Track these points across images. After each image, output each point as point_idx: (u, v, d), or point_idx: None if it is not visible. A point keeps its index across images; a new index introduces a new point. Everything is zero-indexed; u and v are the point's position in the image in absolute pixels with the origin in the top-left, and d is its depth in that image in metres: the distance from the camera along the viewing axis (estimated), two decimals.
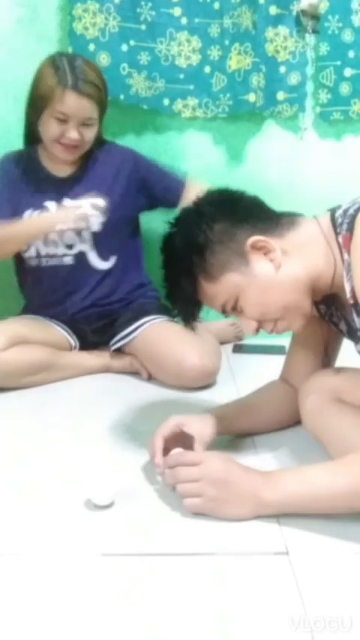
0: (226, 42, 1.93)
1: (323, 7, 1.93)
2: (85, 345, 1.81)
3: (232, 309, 1.03)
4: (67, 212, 1.64)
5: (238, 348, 2.01)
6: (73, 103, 1.58)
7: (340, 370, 1.19)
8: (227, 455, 1.01)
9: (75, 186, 1.73)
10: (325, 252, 0.99)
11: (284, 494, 0.91)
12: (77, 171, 1.74)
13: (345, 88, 2.01)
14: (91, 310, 1.78)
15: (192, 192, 1.57)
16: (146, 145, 2.01)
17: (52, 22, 1.90)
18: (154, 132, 2.03)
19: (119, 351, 1.78)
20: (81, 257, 1.72)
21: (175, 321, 1.56)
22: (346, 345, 1.20)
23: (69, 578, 0.83)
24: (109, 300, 1.79)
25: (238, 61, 1.94)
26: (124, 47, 1.89)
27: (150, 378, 1.71)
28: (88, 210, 1.67)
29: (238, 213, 1.02)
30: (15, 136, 1.90)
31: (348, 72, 2.00)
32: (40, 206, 1.71)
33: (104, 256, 1.74)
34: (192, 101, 1.99)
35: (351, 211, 0.96)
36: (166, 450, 1.07)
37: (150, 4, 1.89)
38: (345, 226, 0.96)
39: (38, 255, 1.73)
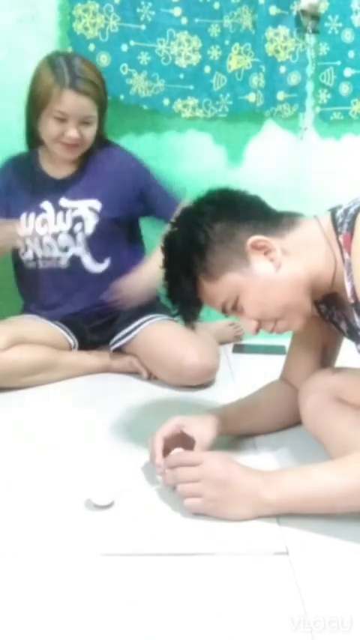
0: (226, 42, 1.93)
1: (323, 7, 1.93)
2: (85, 344, 1.80)
3: (233, 308, 1.03)
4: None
5: (238, 348, 2.01)
6: (72, 102, 1.58)
7: (340, 370, 1.19)
8: (227, 455, 1.01)
9: (72, 186, 1.73)
10: (326, 252, 0.99)
11: (284, 494, 0.91)
12: (75, 173, 1.74)
13: (345, 88, 2.01)
14: (90, 311, 1.78)
15: None
16: (146, 145, 2.01)
17: (52, 22, 1.90)
18: (154, 132, 2.03)
19: (119, 350, 1.78)
20: (75, 260, 1.72)
21: (174, 320, 1.56)
22: (346, 345, 1.20)
23: (69, 578, 0.83)
24: (108, 302, 1.78)
25: (238, 61, 1.94)
26: (124, 47, 1.89)
27: (150, 377, 1.71)
28: (83, 212, 1.68)
29: (239, 213, 1.02)
30: (15, 136, 1.90)
31: (348, 72, 2.00)
32: (36, 208, 1.72)
33: (98, 259, 1.74)
34: (192, 101, 1.98)
35: (351, 211, 0.97)
36: (166, 451, 1.07)
37: (150, 4, 1.89)
38: (346, 226, 0.96)
39: (35, 258, 1.74)
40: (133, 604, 0.77)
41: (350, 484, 0.86)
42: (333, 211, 1.02)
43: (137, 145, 1.96)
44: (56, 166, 1.74)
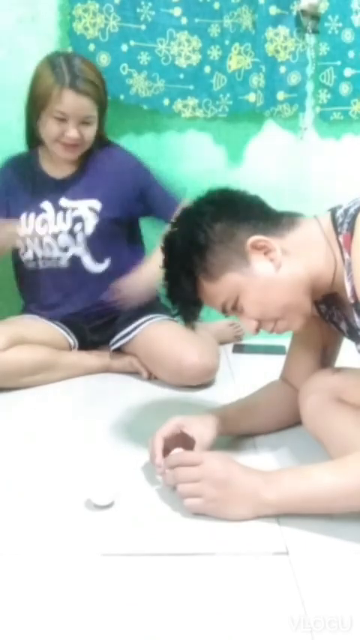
0: (226, 42, 1.93)
1: (323, 7, 1.93)
2: (85, 344, 1.80)
3: (233, 308, 1.03)
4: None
5: (238, 348, 2.01)
6: (71, 102, 1.58)
7: (340, 370, 1.19)
8: (227, 455, 1.01)
9: (72, 186, 1.73)
10: (326, 252, 0.99)
11: (284, 494, 0.91)
12: (75, 172, 1.74)
13: (345, 88, 2.01)
14: (90, 311, 1.78)
15: None
16: (146, 144, 2.01)
17: (52, 22, 1.90)
18: (154, 132, 2.03)
19: (119, 350, 1.78)
20: (75, 260, 1.72)
21: (174, 320, 1.56)
22: (346, 345, 1.20)
23: (69, 578, 0.83)
24: (108, 305, 1.79)
25: (238, 61, 1.94)
26: (124, 47, 1.89)
27: (150, 377, 1.72)
28: (83, 212, 1.68)
29: (239, 213, 1.02)
30: (15, 136, 1.90)
31: (348, 72, 2.00)
32: (36, 208, 1.72)
33: (98, 259, 1.74)
34: (192, 101, 1.98)
35: (351, 211, 0.97)
36: (166, 451, 1.07)
37: (150, 4, 1.89)
38: (346, 226, 0.96)
39: (35, 258, 1.74)
40: (133, 604, 0.77)
41: (350, 484, 0.86)
42: (333, 211, 1.02)
43: (137, 145, 1.96)
44: (56, 166, 1.74)
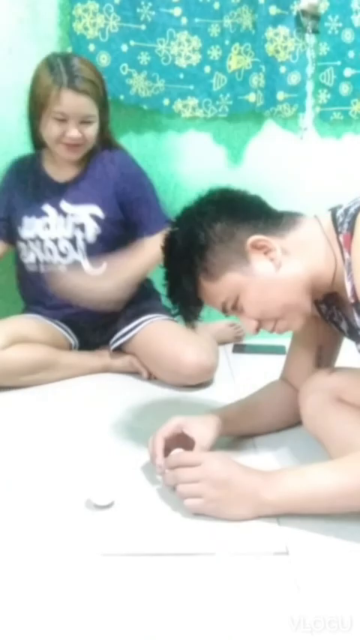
0: (226, 42, 1.93)
1: (323, 7, 1.94)
2: (86, 344, 1.81)
3: (233, 308, 1.03)
4: None
5: (238, 348, 2.01)
6: (70, 102, 1.57)
7: (340, 370, 1.19)
8: (227, 455, 1.01)
9: (73, 190, 1.72)
10: (326, 252, 0.99)
11: (284, 494, 0.91)
12: (77, 176, 1.74)
13: (345, 88, 2.01)
14: (92, 312, 1.78)
15: (152, 246, 1.54)
16: (146, 145, 2.01)
17: (52, 22, 1.90)
18: (154, 132, 2.03)
19: (119, 350, 1.78)
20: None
21: (174, 319, 1.56)
22: (346, 345, 1.20)
23: (69, 578, 0.82)
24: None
25: (238, 61, 1.94)
26: (124, 47, 1.89)
27: (150, 377, 1.72)
28: (84, 219, 1.68)
29: (239, 213, 1.02)
30: (15, 137, 1.90)
31: (348, 72, 2.00)
32: (39, 211, 1.71)
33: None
34: (192, 101, 1.99)
35: (352, 210, 0.97)
36: (166, 451, 1.07)
37: (150, 4, 1.89)
38: (346, 225, 0.96)
39: (37, 262, 1.73)
40: (133, 604, 0.77)
41: (350, 484, 0.86)
42: (333, 211, 1.02)
43: (137, 145, 1.96)
44: (59, 168, 1.74)
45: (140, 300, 1.81)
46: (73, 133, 1.61)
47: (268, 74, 1.96)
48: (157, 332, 1.70)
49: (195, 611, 0.76)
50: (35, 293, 1.80)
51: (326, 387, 1.13)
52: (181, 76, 1.96)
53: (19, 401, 1.56)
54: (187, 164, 2.05)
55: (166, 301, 1.12)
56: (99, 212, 1.69)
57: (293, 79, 2.01)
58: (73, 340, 1.79)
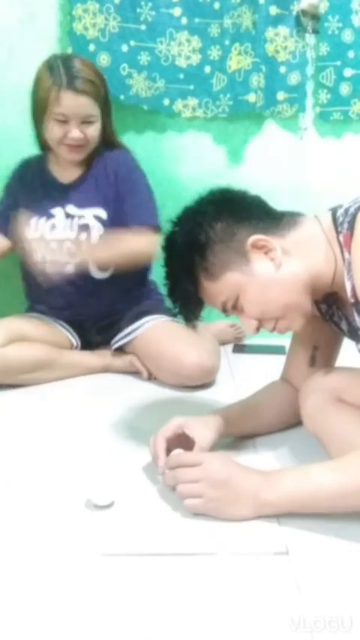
0: (226, 42, 1.93)
1: (323, 7, 1.94)
2: (88, 344, 1.81)
3: (233, 307, 1.04)
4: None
5: (238, 348, 2.01)
6: (70, 102, 1.57)
7: (340, 370, 1.19)
8: (227, 455, 1.01)
9: (78, 192, 1.73)
10: (326, 251, 0.99)
11: (284, 494, 0.91)
12: (81, 177, 1.74)
13: (345, 88, 2.01)
14: (96, 313, 1.78)
15: (136, 237, 1.61)
16: (146, 145, 2.01)
17: (52, 22, 1.90)
18: (154, 132, 2.03)
19: (120, 350, 1.78)
20: (82, 266, 1.71)
21: (176, 320, 1.56)
22: (346, 345, 1.20)
23: (69, 578, 0.82)
24: (114, 305, 1.79)
25: (238, 61, 1.94)
26: (124, 47, 1.89)
27: (150, 377, 1.71)
28: (89, 221, 1.68)
29: (240, 213, 1.02)
30: (15, 137, 1.90)
31: (348, 72, 2.00)
32: (45, 212, 1.72)
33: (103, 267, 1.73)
34: (192, 101, 1.99)
35: (352, 210, 0.97)
36: (167, 451, 1.07)
37: (150, 4, 1.89)
38: (346, 225, 0.96)
39: (44, 261, 1.73)
40: (133, 604, 0.77)
41: (350, 483, 0.86)
42: (333, 211, 1.02)
43: (137, 145, 1.96)
44: (64, 170, 1.74)
45: (143, 300, 1.81)
46: (75, 133, 1.61)
47: (268, 74, 1.96)
48: (158, 333, 1.70)
49: (195, 611, 0.76)
50: (39, 292, 1.80)
51: (326, 387, 1.13)
52: (181, 76, 1.96)
53: (19, 400, 1.56)
54: (187, 164, 2.05)
55: (168, 302, 1.12)
56: (103, 213, 1.70)
57: (293, 79, 2.01)
58: (75, 340, 1.79)
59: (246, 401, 1.27)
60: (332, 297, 1.08)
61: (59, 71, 1.57)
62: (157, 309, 1.78)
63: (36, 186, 1.75)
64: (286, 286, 1.00)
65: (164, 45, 1.93)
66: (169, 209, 1.11)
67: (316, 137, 2.09)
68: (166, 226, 1.07)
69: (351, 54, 1.98)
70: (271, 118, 2.06)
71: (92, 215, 1.70)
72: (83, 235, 1.69)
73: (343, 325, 1.11)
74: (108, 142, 1.73)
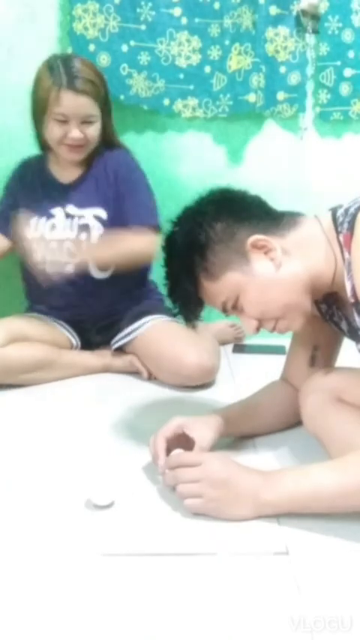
0: (226, 42, 1.93)
1: (323, 7, 1.94)
2: (88, 345, 1.81)
3: (233, 307, 1.04)
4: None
5: (238, 348, 2.01)
6: (70, 102, 1.57)
7: (340, 370, 1.19)
8: (227, 455, 1.01)
9: (78, 193, 1.73)
10: (326, 252, 0.99)
11: (284, 494, 0.91)
12: (81, 177, 1.74)
13: (345, 88, 2.01)
14: (97, 313, 1.78)
15: (136, 237, 1.61)
16: (146, 145, 2.01)
17: (52, 22, 1.90)
18: (154, 132, 2.03)
19: (120, 350, 1.78)
20: (83, 266, 1.72)
21: (177, 320, 1.56)
22: (346, 345, 1.20)
23: (69, 578, 0.82)
24: (114, 305, 1.79)
25: (238, 61, 1.94)
26: (124, 47, 1.89)
27: (150, 377, 1.71)
28: (89, 221, 1.68)
29: (240, 213, 1.02)
30: (15, 137, 1.90)
31: (348, 72, 2.00)
32: (45, 212, 1.72)
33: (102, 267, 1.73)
34: (192, 101, 1.99)
35: (352, 210, 0.97)
36: (167, 451, 1.07)
37: (150, 4, 1.89)
38: (346, 225, 0.96)
39: (44, 261, 1.73)
40: (133, 604, 0.77)
41: (350, 483, 0.86)
42: (334, 211, 1.02)
43: (137, 145, 1.96)
44: (64, 170, 1.74)
45: (143, 300, 1.81)
46: (75, 133, 1.61)
47: (268, 74, 1.96)
48: (159, 333, 1.70)
49: (195, 611, 0.76)
50: (39, 292, 1.80)
51: (326, 387, 1.13)
52: (181, 76, 1.96)
53: (19, 400, 1.56)
54: (187, 164, 2.05)
55: (169, 302, 1.12)
56: (102, 213, 1.70)
57: (293, 79, 2.01)
58: (75, 341, 1.79)
59: (246, 401, 1.27)
60: (332, 297, 1.08)
61: (59, 71, 1.57)
62: (157, 309, 1.78)
63: (36, 186, 1.75)
64: (286, 286, 1.00)
65: (164, 45, 1.93)
66: (169, 209, 1.11)
67: (316, 137, 2.09)
68: (166, 226, 1.07)
69: (351, 54, 1.98)
70: (271, 118, 2.06)
71: (92, 215, 1.70)
72: (83, 235, 1.69)
73: (343, 325, 1.11)
74: (108, 142, 1.73)
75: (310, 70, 2.03)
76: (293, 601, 0.77)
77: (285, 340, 1.29)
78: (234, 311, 1.05)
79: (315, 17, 1.95)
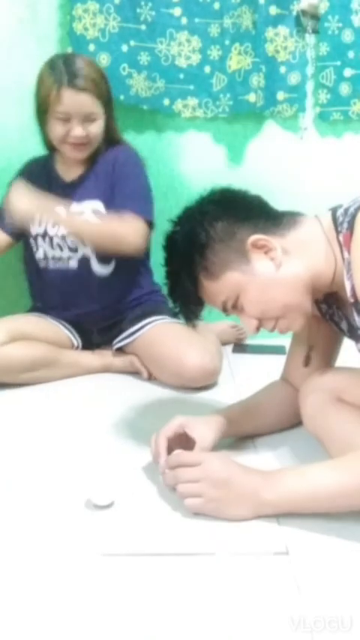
0: (226, 42, 1.93)
1: (323, 7, 1.94)
2: (89, 345, 1.81)
3: (233, 307, 1.04)
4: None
5: (239, 348, 2.01)
6: (71, 100, 1.57)
7: (339, 370, 1.19)
8: (228, 455, 1.01)
9: (79, 188, 1.73)
10: (326, 251, 0.99)
11: (284, 494, 0.91)
12: (83, 174, 1.74)
13: (345, 89, 2.01)
14: (98, 313, 1.78)
15: (121, 222, 1.60)
16: (146, 144, 2.01)
17: (52, 22, 1.90)
18: (154, 132, 2.03)
19: (120, 350, 1.78)
20: (85, 262, 1.72)
21: (179, 322, 1.56)
22: (346, 345, 1.20)
23: (69, 578, 0.82)
24: (116, 305, 1.79)
25: (238, 61, 1.94)
26: (124, 47, 1.89)
27: (150, 377, 1.71)
28: (88, 215, 1.68)
29: (240, 212, 1.02)
30: (15, 136, 1.90)
31: (348, 72, 2.00)
32: None
33: (104, 260, 1.73)
34: (192, 101, 1.99)
35: (352, 210, 0.97)
36: (168, 450, 1.07)
37: (150, 4, 1.89)
38: (346, 225, 0.96)
39: (46, 257, 1.74)
40: (133, 604, 0.77)
41: (350, 483, 0.86)
42: (334, 210, 1.02)
43: (137, 144, 1.95)
44: (68, 168, 1.75)
45: (145, 302, 1.81)
46: (77, 131, 1.61)
47: (268, 74, 1.96)
48: (160, 334, 1.70)
49: (195, 611, 0.76)
50: (42, 289, 1.80)
51: (326, 386, 1.13)
52: (181, 76, 1.96)
53: (19, 399, 1.56)
54: (187, 164, 2.05)
55: (171, 304, 1.12)
56: (101, 207, 1.69)
57: (293, 79, 2.01)
58: (76, 341, 1.79)
59: (246, 401, 1.27)
60: (332, 297, 1.08)
61: (60, 70, 1.58)
62: (159, 310, 1.78)
63: (41, 185, 1.74)
64: (286, 286, 1.00)
65: (164, 45, 1.93)
66: (169, 209, 1.11)
67: (316, 137, 2.09)
68: (166, 226, 1.07)
69: (351, 54, 1.98)
70: (271, 118, 2.06)
71: (91, 209, 1.69)
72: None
73: (343, 325, 1.11)
74: (111, 139, 1.73)
75: (310, 70, 2.03)
76: (293, 601, 0.77)
77: (285, 340, 1.28)
78: (234, 310, 1.05)
79: (315, 17, 1.96)
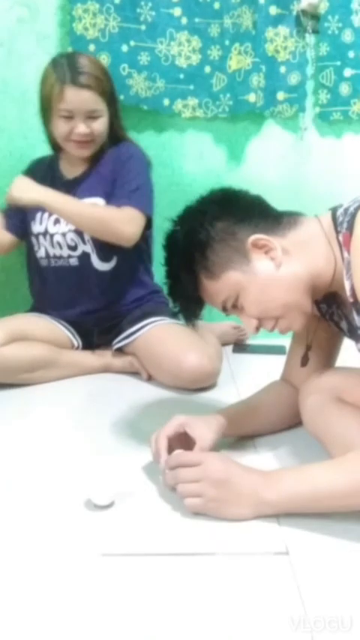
0: (226, 42, 1.93)
1: (323, 7, 1.94)
2: (89, 345, 1.81)
3: (233, 306, 1.04)
4: None
5: (239, 348, 2.01)
6: (74, 97, 1.57)
7: (340, 370, 1.19)
8: (227, 455, 1.01)
9: (80, 186, 1.73)
10: (326, 251, 0.99)
11: (284, 494, 0.91)
12: (86, 171, 1.74)
13: (345, 88, 2.01)
14: (99, 313, 1.78)
15: (118, 209, 1.60)
16: (146, 145, 2.00)
17: (52, 22, 1.90)
18: (154, 132, 2.03)
19: (120, 350, 1.78)
20: (85, 258, 1.72)
21: (179, 323, 1.55)
22: (346, 345, 1.20)
23: (69, 578, 0.82)
24: (117, 305, 1.79)
25: (238, 61, 1.94)
26: (124, 47, 1.89)
27: (150, 378, 1.71)
28: None
29: (240, 212, 1.02)
30: (15, 136, 1.90)
31: (348, 72, 2.00)
32: None
33: (105, 257, 1.73)
34: (192, 101, 1.99)
35: (351, 210, 0.97)
36: (169, 450, 1.07)
37: (150, 4, 1.89)
38: (345, 225, 0.96)
39: (47, 256, 1.74)
40: (133, 604, 0.77)
41: (350, 483, 0.86)
42: (333, 210, 1.02)
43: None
44: (72, 167, 1.75)
45: (146, 303, 1.81)
46: (81, 128, 1.61)
47: (268, 74, 1.96)
48: (160, 335, 1.70)
49: (195, 611, 0.76)
50: (43, 288, 1.80)
51: (326, 387, 1.13)
52: (181, 76, 1.96)
53: (18, 399, 1.56)
54: (187, 164, 2.05)
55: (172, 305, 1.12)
56: (101, 203, 1.69)
57: (293, 79, 2.01)
58: (76, 341, 1.79)
59: (246, 401, 1.27)
60: (332, 297, 1.08)
61: (63, 67, 1.58)
62: (160, 311, 1.77)
63: (44, 183, 1.74)
64: (286, 286, 1.00)
65: (164, 45, 1.93)
66: (169, 209, 1.11)
67: (316, 137, 2.09)
68: (166, 225, 1.08)
69: (351, 54, 1.98)
70: (271, 118, 2.06)
71: (91, 204, 1.69)
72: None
73: (343, 325, 1.11)
74: (115, 137, 1.73)
75: (310, 70, 2.03)
76: (293, 601, 0.77)
77: (285, 340, 1.29)
78: (234, 310, 1.05)
79: (315, 17, 1.96)
